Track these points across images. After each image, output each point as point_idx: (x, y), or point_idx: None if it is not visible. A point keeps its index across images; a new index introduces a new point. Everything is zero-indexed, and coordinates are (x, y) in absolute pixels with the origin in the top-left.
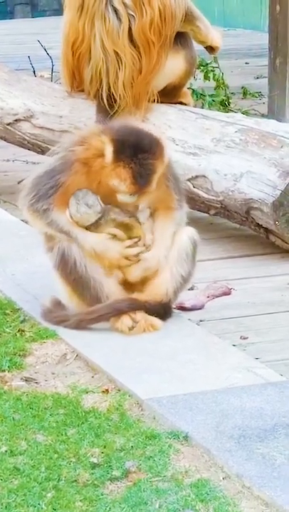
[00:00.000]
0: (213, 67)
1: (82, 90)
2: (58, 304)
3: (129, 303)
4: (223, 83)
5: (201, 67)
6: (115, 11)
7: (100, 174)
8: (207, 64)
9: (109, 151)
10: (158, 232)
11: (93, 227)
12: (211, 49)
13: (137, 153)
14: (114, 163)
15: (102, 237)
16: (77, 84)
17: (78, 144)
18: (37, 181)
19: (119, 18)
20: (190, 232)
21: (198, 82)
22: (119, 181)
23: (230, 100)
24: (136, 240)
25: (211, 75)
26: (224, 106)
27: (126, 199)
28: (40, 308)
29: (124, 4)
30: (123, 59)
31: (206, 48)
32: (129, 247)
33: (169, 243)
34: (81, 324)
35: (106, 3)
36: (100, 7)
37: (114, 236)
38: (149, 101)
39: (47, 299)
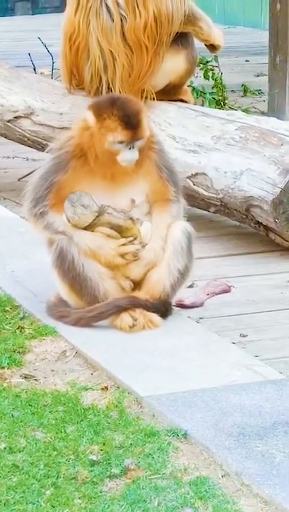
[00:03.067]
0: (213, 67)
1: (82, 89)
2: (62, 300)
3: (129, 300)
4: (221, 83)
5: (201, 65)
6: (108, 9)
7: (93, 147)
8: (207, 62)
9: (89, 114)
10: (154, 224)
11: (90, 228)
12: (212, 47)
13: (115, 102)
14: (99, 120)
15: (96, 235)
16: (76, 82)
17: (69, 140)
18: (34, 185)
19: (112, 18)
20: (183, 226)
21: (198, 79)
22: (112, 134)
23: (226, 101)
24: (130, 238)
25: (210, 74)
26: (220, 106)
27: (127, 157)
28: (45, 301)
29: (117, 4)
30: (117, 58)
31: (207, 46)
32: (124, 245)
33: (165, 234)
34: (80, 322)
35: (100, 1)
36: (95, 4)
37: (109, 236)
38: (146, 98)
39: (52, 294)
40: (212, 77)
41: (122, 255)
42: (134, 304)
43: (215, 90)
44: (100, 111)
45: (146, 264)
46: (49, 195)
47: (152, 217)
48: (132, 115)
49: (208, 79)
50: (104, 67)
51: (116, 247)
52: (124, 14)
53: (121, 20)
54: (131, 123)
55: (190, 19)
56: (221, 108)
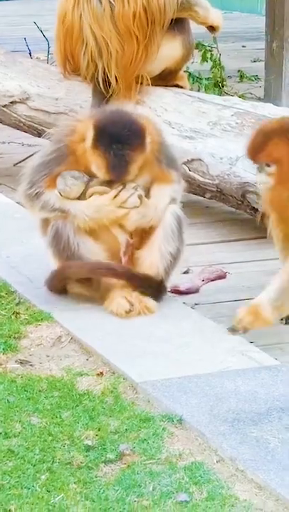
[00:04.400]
0: (212, 47)
1: (78, 74)
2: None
3: (125, 268)
4: (220, 64)
5: (200, 47)
6: None
7: (83, 158)
8: (205, 45)
9: (89, 136)
10: (155, 192)
11: (82, 197)
12: (211, 28)
13: (113, 143)
14: (93, 149)
15: (89, 201)
16: (71, 67)
17: (71, 132)
18: (32, 171)
19: (101, 4)
20: (173, 209)
21: (194, 65)
22: (96, 168)
23: (224, 82)
24: (120, 188)
25: (208, 55)
26: (218, 87)
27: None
28: (43, 283)
29: None
30: (109, 44)
31: (206, 27)
32: (117, 196)
33: (167, 202)
34: (83, 269)
35: None
36: None
37: (101, 193)
38: (142, 84)
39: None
40: (210, 58)
41: (121, 205)
42: (129, 274)
43: (213, 71)
44: (97, 142)
45: (144, 214)
46: (46, 179)
47: (153, 188)
48: (121, 165)
49: (207, 60)
50: (99, 53)
51: (111, 202)
52: (112, 1)
53: (110, 7)
54: (115, 172)
55: (184, 6)
56: (220, 89)
